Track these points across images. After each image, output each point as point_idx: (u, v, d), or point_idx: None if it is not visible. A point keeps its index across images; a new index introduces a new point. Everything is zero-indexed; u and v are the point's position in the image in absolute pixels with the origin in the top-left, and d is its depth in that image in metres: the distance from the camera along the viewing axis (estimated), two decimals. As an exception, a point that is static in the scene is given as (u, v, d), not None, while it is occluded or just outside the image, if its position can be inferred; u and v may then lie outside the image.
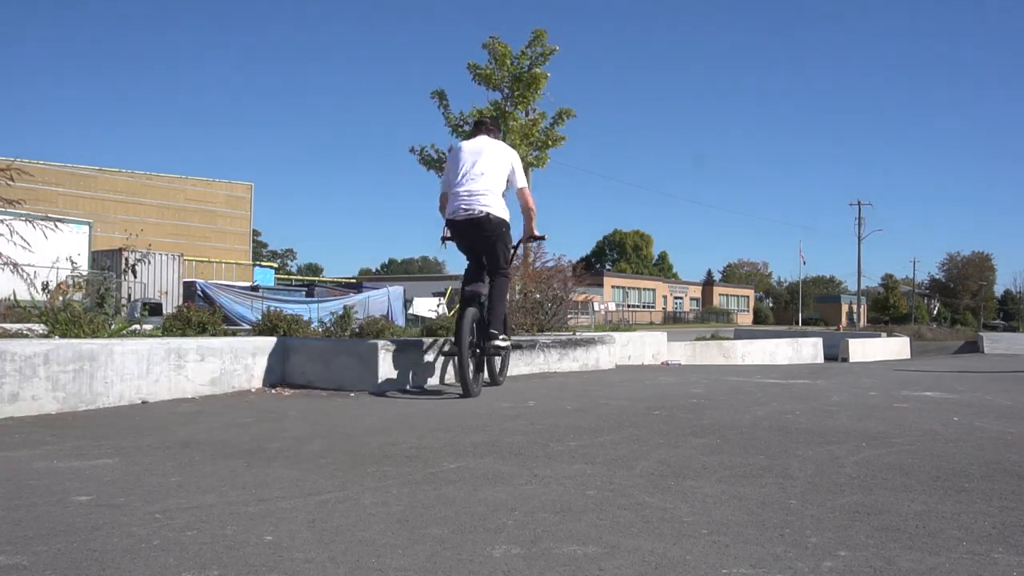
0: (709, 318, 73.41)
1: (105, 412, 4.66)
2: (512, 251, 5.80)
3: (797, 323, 68.56)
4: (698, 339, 21.47)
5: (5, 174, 5.82)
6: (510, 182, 5.62)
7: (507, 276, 5.73)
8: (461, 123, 11.24)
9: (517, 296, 9.94)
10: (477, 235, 5.46)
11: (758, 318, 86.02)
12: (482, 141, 5.72)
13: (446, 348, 5.66)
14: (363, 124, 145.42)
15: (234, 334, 7.42)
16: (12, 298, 7.07)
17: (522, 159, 11.24)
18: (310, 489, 2.70)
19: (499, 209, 5.48)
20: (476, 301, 5.52)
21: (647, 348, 10.84)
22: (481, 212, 5.38)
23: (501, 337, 5.52)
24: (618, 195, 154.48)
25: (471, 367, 5.28)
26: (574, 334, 8.83)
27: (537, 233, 5.99)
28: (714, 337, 28.83)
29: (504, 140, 10.91)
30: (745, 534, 2.17)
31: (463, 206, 5.41)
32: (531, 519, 2.31)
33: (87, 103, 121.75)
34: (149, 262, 22.38)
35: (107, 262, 21.45)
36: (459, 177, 5.49)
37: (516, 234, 5.95)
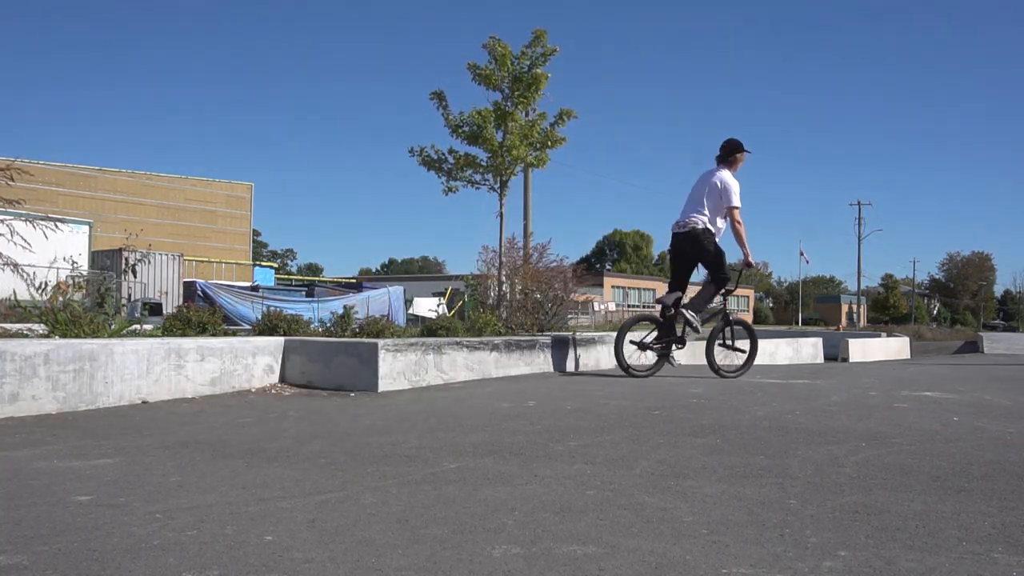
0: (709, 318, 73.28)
1: (105, 412, 4.66)
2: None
3: (797, 323, 68.54)
4: (698, 339, 21.37)
5: (5, 174, 5.82)
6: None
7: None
8: (460, 124, 11.21)
9: (517, 296, 9.94)
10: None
11: (758, 318, 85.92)
12: None
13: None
14: (363, 124, 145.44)
15: (234, 334, 7.42)
16: (12, 298, 7.07)
17: (521, 159, 11.29)
18: (310, 489, 2.70)
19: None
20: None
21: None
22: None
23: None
24: (618, 195, 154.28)
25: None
26: (574, 334, 8.83)
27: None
28: (714, 337, 28.71)
29: (506, 141, 10.96)
30: (745, 534, 2.17)
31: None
32: (531, 519, 2.31)
33: (87, 103, 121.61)
34: (149, 262, 22.36)
35: (107, 262, 21.45)
36: None
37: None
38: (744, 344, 7.38)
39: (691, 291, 7.35)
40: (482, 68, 11.02)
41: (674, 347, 7.21)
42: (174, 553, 2.00)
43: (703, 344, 7.50)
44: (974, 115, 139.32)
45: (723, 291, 7.13)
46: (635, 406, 4.79)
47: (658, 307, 7.40)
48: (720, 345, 7.22)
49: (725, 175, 6.82)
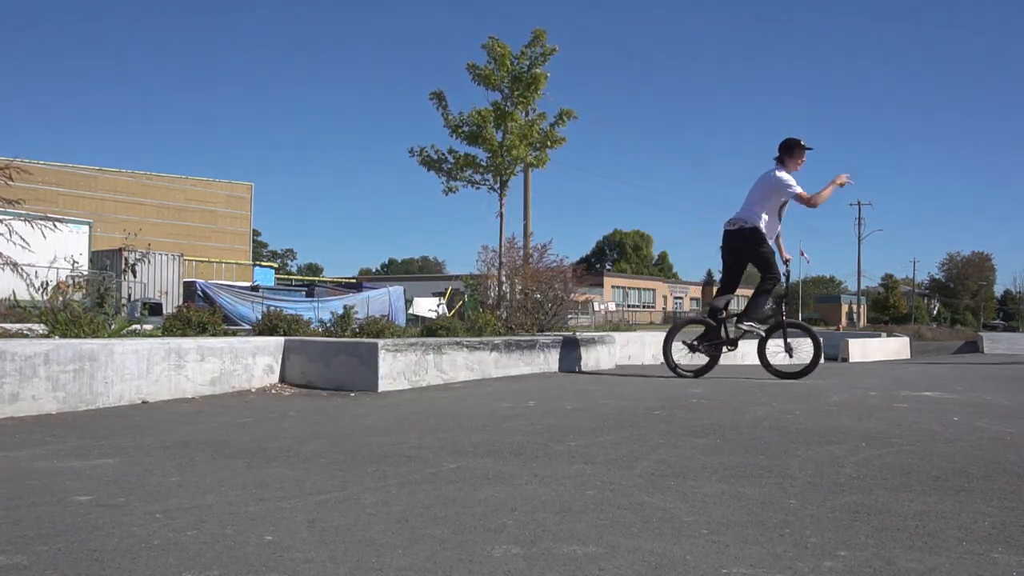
0: (709, 318, 73.25)
1: (105, 412, 4.66)
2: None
3: (797, 323, 68.44)
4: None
5: (5, 174, 5.82)
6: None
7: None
8: (460, 124, 11.21)
9: (517, 296, 9.94)
10: None
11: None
12: None
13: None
14: (363, 124, 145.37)
15: (234, 334, 7.42)
16: (12, 298, 7.07)
17: (521, 159, 11.28)
18: (310, 489, 2.70)
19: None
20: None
21: (647, 348, 10.84)
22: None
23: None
24: (618, 195, 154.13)
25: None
26: (574, 334, 8.83)
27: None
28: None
29: (506, 141, 10.96)
30: (745, 534, 2.17)
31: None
32: (531, 519, 2.31)
33: (87, 103, 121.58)
34: (149, 262, 22.35)
35: (107, 262, 21.43)
36: None
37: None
38: (798, 343, 7.15)
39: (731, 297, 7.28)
40: (481, 68, 11.01)
41: (725, 349, 7.17)
42: (174, 553, 2.00)
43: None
44: (974, 115, 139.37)
45: (777, 294, 7.02)
46: (635, 406, 4.79)
47: (708, 309, 7.32)
48: (785, 346, 7.01)
49: (778, 173, 6.73)
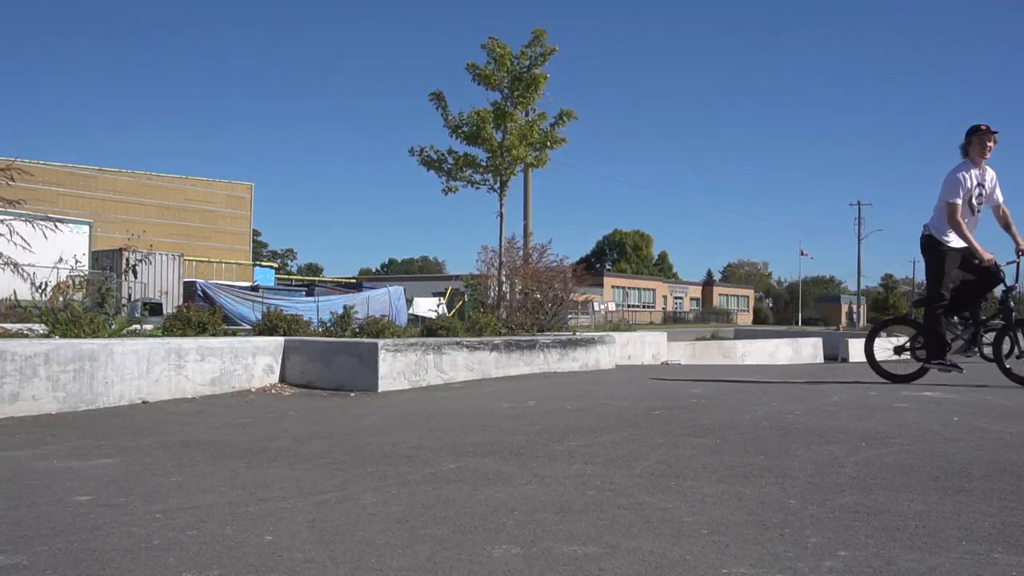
0: (709, 318, 73.31)
1: (105, 412, 4.66)
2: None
3: (797, 323, 68.57)
4: (698, 339, 21.44)
5: (5, 174, 5.83)
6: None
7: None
8: (460, 124, 11.22)
9: (517, 296, 9.95)
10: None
11: (758, 318, 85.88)
12: None
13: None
14: (363, 124, 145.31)
15: (234, 334, 7.42)
16: (12, 298, 7.08)
17: (521, 159, 11.28)
18: (310, 489, 2.70)
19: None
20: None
21: (647, 348, 10.85)
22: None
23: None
24: (618, 195, 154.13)
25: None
26: (574, 334, 8.83)
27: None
28: (714, 337, 28.84)
29: (505, 141, 10.95)
30: (745, 534, 2.17)
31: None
32: (531, 519, 2.31)
33: (87, 103, 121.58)
34: (149, 262, 22.33)
35: (107, 262, 21.42)
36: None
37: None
38: None
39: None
40: (481, 68, 11.02)
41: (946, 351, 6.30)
42: (174, 553, 2.00)
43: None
44: (973, 115, 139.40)
45: (1003, 296, 6.39)
46: (635, 406, 4.79)
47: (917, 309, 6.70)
48: (1017, 350, 6.17)
49: (952, 172, 6.14)
